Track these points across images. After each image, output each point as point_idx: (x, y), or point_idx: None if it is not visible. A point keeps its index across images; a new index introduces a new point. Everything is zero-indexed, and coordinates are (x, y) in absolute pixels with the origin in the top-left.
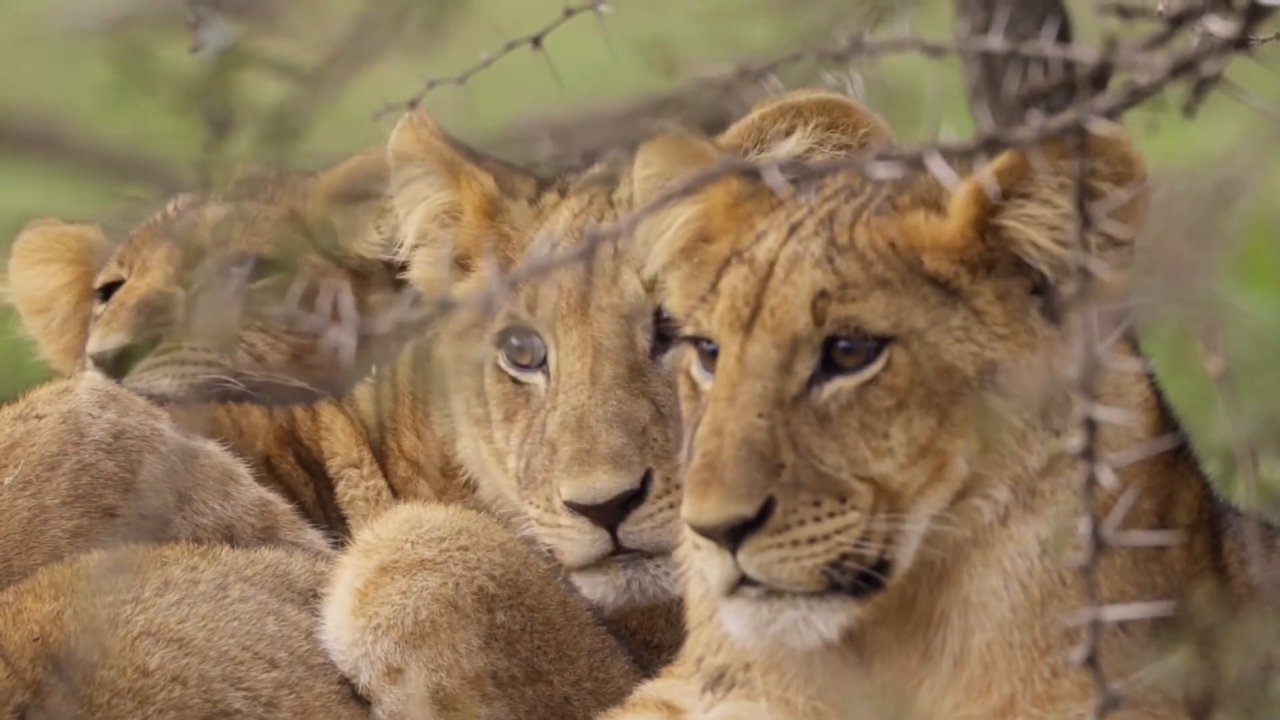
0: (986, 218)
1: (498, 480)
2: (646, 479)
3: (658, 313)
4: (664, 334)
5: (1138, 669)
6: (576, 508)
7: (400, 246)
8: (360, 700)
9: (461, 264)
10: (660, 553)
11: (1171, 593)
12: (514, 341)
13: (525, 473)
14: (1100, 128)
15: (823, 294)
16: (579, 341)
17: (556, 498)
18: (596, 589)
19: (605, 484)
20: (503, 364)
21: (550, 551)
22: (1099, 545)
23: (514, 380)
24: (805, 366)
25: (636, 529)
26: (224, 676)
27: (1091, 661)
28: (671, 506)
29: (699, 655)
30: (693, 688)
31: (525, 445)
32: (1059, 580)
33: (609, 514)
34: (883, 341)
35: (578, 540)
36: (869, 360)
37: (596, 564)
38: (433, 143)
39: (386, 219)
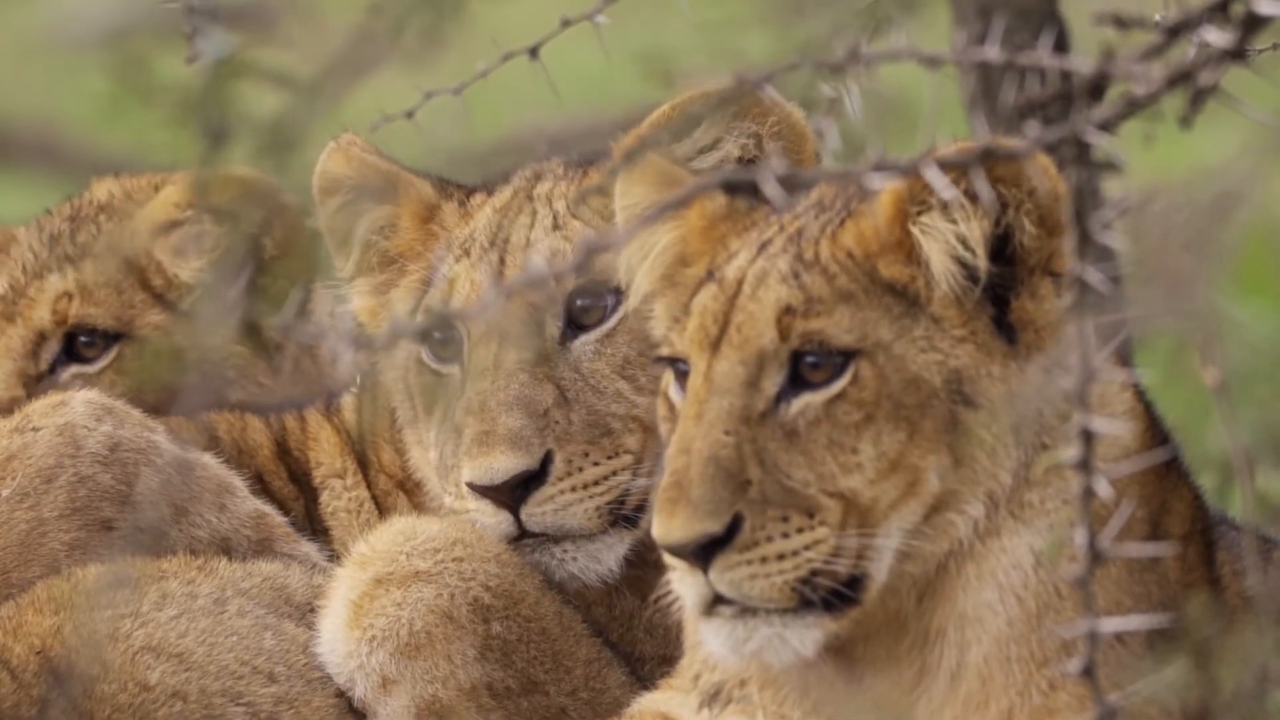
0: (905, 221)
1: (430, 478)
2: (547, 461)
3: (570, 300)
4: (575, 321)
5: (1134, 680)
6: (477, 489)
7: (355, 275)
8: (358, 713)
9: (400, 271)
10: (567, 537)
11: (1167, 604)
12: (436, 335)
13: (440, 462)
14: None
15: (788, 309)
16: (486, 330)
17: (462, 481)
18: None
19: (503, 464)
20: (425, 358)
21: None
22: (1095, 557)
23: (434, 372)
24: (772, 382)
25: (539, 511)
26: (224, 691)
27: (1089, 673)
28: (574, 490)
29: (696, 673)
30: (691, 701)
31: (440, 435)
32: (1054, 592)
33: (509, 495)
34: (849, 356)
35: (483, 524)
36: (836, 375)
37: None
38: (366, 159)
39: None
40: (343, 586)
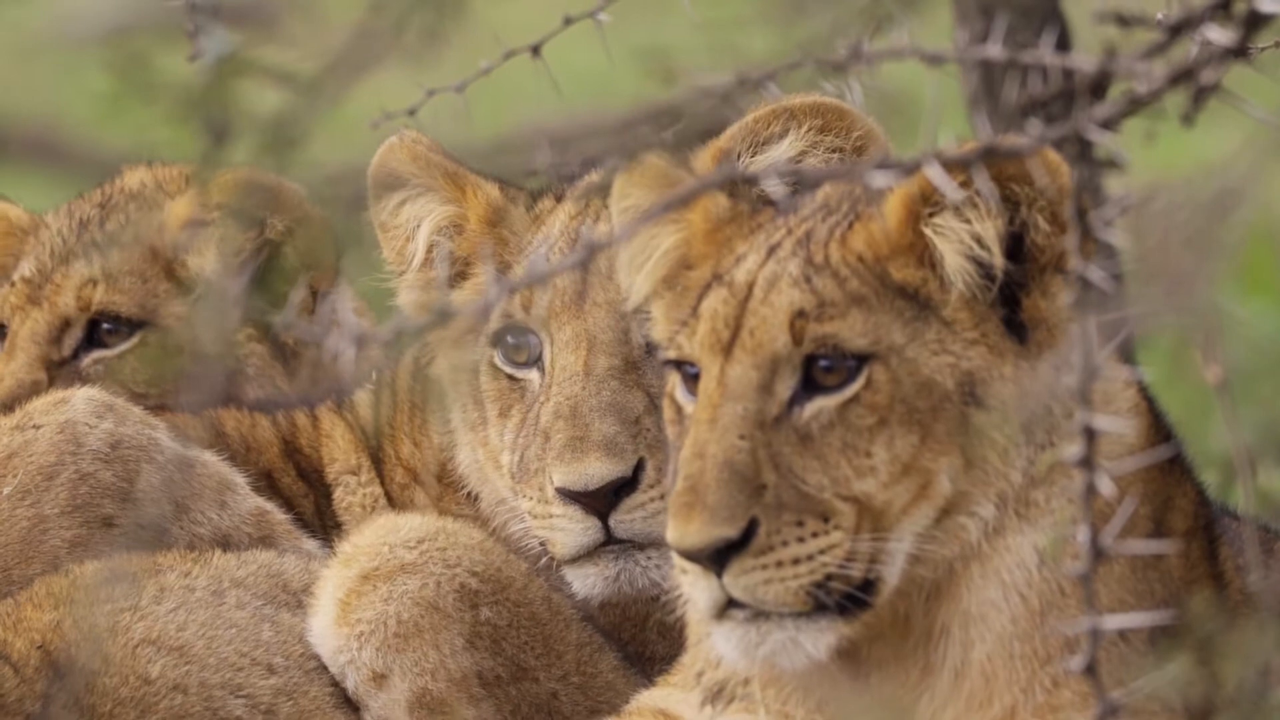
0: (916, 222)
1: (494, 482)
2: (639, 468)
3: None
4: None
5: (1137, 677)
6: (568, 494)
7: (403, 270)
8: (354, 703)
9: (461, 273)
10: (651, 544)
11: (1170, 600)
12: (510, 340)
13: (519, 466)
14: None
15: (801, 313)
16: (573, 335)
17: (549, 486)
18: (586, 580)
19: (597, 470)
20: (499, 362)
21: (543, 545)
22: (1098, 554)
23: (509, 377)
24: (786, 387)
25: (628, 518)
26: (224, 684)
27: (1091, 670)
28: (664, 497)
29: (699, 670)
30: (691, 698)
31: (519, 439)
32: (1058, 590)
33: (601, 501)
34: (862, 359)
35: (569, 529)
36: (850, 379)
37: (587, 555)
38: (432, 158)
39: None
40: (330, 585)
